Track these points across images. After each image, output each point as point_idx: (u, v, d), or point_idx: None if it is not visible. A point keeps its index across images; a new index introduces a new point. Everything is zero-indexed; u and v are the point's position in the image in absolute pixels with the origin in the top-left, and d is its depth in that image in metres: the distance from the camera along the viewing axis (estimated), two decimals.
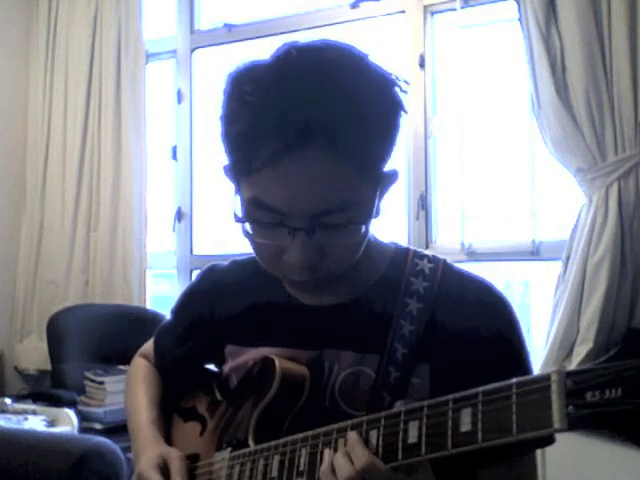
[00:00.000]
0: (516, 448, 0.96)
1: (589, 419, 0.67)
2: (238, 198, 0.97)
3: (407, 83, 0.96)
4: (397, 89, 0.95)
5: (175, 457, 1.12)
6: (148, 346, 1.34)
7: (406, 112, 0.95)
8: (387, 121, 0.94)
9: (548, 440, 1.01)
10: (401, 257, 1.08)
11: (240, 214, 0.96)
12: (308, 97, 0.87)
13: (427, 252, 1.10)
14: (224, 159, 0.97)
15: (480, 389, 0.78)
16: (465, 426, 0.77)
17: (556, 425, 0.69)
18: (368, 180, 0.94)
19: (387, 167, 0.97)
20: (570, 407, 0.68)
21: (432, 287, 1.04)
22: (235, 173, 0.96)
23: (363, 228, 0.95)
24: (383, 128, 0.93)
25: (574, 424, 0.68)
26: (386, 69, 0.96)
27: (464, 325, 1.01)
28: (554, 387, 0.70)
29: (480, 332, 1.01)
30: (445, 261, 1.08)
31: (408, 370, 1.00)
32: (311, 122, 0.87)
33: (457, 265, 1.09)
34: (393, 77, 0.96)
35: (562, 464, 2.34)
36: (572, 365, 2.53)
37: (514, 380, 0.75)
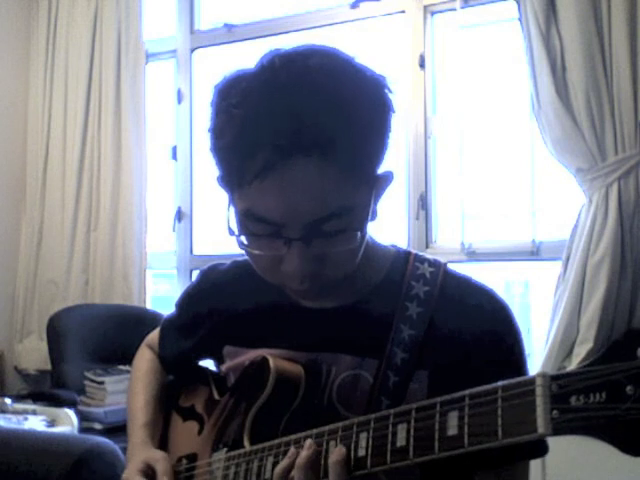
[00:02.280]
0: (507, 456, 0.96)
1: (574, 424, 0.67)
2: (232, 209, 0.96)
3: (396, 82, 0.95)
4: (386, 90, 0.93)
5: (159, 458, 1.12)
6: (154, 335, 1.34)
7: (395, 112, 0.94)
8: (377, 124, 0.92)
9: (541, 450, 1.01)
10: (402, 260, 1.08)
11: (234, 226, 0.95)
12: (293, 107, 0.86)
13: (428, 256, 1.09)
14: (216, 170, 0.96)
15: (467, 392, 0.77)
16: (452, 430, 0.77)
17: (540, 430, 0.68)
18: (362, 185, 0.93)
19: (381, 169, 0.96)
20: (555, 411, 0.68)
21: (432, 291, 1.03)
22: (227, 185, 0.95)
23: (359, 233, 0.93)
24: (373, 131, 0.92)
25: (559, 429, 0.68)
26: (374, 70, 0.94)
27: (464, 330, 1.00)
28: (539, 391, 0.69)
29: (480, 338, 1.00)
30: (446, 265, 1.07)
31: (407, 375, 0.99)
32: (298, 132, 0.86)
33: (457, 269, 1.08)
34: (381, 78, 0.94)
35: (562, 464, 2.34)
36: (572, 365, 2.53)
37: (500, 383, 0.74)
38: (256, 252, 0.95)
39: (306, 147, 0.87)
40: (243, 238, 0.95)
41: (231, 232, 0.96)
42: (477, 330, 1.00)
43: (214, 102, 0.93)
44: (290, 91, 0.87)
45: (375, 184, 0.96)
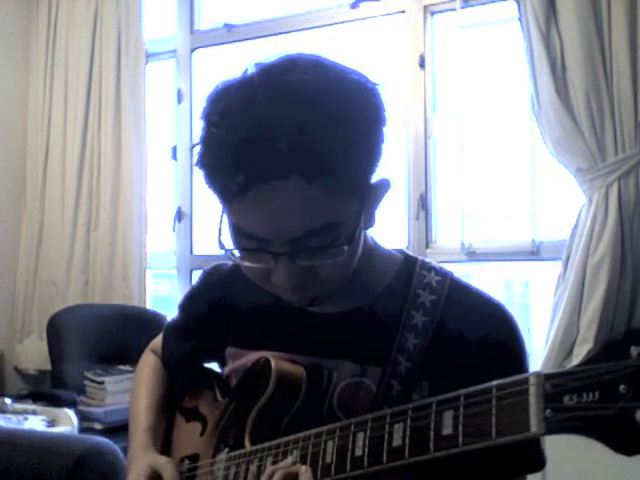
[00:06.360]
0: (503, 470, 0.96)
1: (567, 423, 0.66)
2: (225, 222, 0.95)
3: (392, 86, 0.93)
4: (378, 100, 0.91)
5: (164, 463, 1.12)
6: (158, 340, 1.34)
7: (387, 123, 0.91)
8: (366, 137, 0.90)
9: (538, 464, 1.01)
10: (408, 268, 1.06)
11: (225, 240, 0.95)
12: (271, 128, 0.84)
13: (435, 263, 1.08)
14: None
15: (462, 392, 0.77)
16: (447, 429, 0.77)
17: (533, 429, 0.68)
18: (349, 199, 0.91)
19: (376, 177, 0.94)
20: (548, 411, 0.68)
21: (439, 301, 1.02)
22: (217, 198, 0.94)
23: (346, 247, 0.92)
24: (362, 145, 0.89)
25: (552, 428, 0.67)
26: (367, 77, 0.92)
27: (468, 341, 0.99)
28: (532, 390, 0.69)
29: (485, 349, 0.99)
30: (452, 275, 1.06)
31: (410, 384, 0.99)
32: (275, 154, 0.84)
33: (464, 279, 1.07)
34: (372, 88, 0.91)
35: (562, 464, 2.34)
36: (572, 365, 2.53)
37: (494, 383, 0.74)
38: (247, 264, 0.96)
39: (282, 169, 0.85)
40: (235, 251, 0.95)
41: (221, 246, 0.95)
42: (481, 341, 0.99)
43: (202, 114, 0.92)
44: (267, 112, 0.85)
45: (368, 194, 0.94)
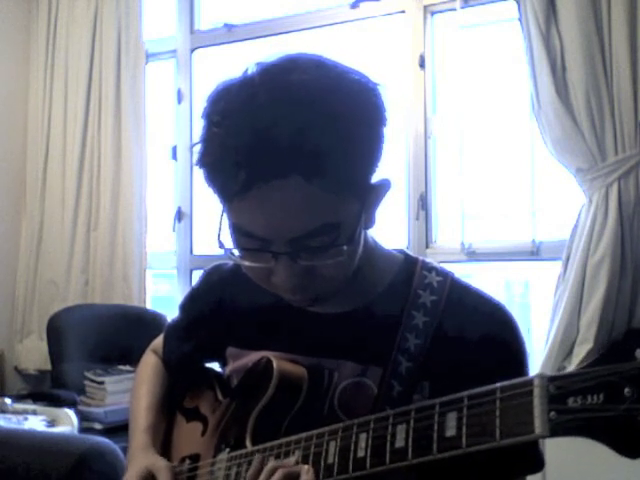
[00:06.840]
0: (503, 472, 0.96)
1: (571, 425, 0.67)
2: (225, 221, 0.95)
3: (392, 86, 0.93)
4: (379, 100, 0.91)
5: (162, 467, 1.12)
6: (159, 341, 1.34)
7: (387, 124, 0.92)
8: (366, 137, 0.90)
9: (537, 465, 1.01)
10: (409, 268, 1.06)
11: (225, 239, 0.95)
12: (271, 128, 0.84)
13: (435, 264, 1.08)
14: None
15: (465, 393, 0.77)
16: (450, 430, 0.77)
17: (537, 431, 0.68)
18: (349, 199, 0.91)
19: (376, 177, 0.94)
20: (552, 413, 0.68)
21: (439, 301, 1.02)
22: (218, 197, 0.94)
23: (346, 247, 0.92)
24: (363, 146, 0.90)
25: (556, 430, 0.68)
26: (368, 77, 0.92)
27: (469, 342, 0.99)
28: (536, 392, 0.69)
29: (485, 351, 0.98)
30: (453, 275, 1.06)
31: (411, 385, 0.99)
32: (275, 154, 0.84)
33: (465, 280, 1.07)
34: (373, 88, 0.91)
35: (563, 465, 2.34)
36: (572, 365, 2.53)
37: (498, 384, 0.74)
38: (247, 264, 0.96)
39: (283, 169, 0.85)
40: (235, 250, 0.95)
41: (221, 245, 0.95)
42: (482, 342, 0.99)
43: (202, 114, 0.92)
44: (268, 111, 0.85)
45: (368, 195, 0.94)
